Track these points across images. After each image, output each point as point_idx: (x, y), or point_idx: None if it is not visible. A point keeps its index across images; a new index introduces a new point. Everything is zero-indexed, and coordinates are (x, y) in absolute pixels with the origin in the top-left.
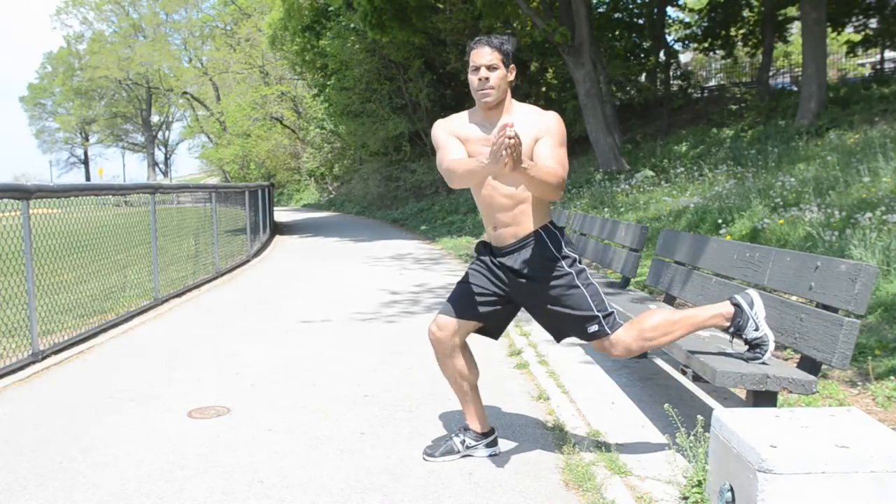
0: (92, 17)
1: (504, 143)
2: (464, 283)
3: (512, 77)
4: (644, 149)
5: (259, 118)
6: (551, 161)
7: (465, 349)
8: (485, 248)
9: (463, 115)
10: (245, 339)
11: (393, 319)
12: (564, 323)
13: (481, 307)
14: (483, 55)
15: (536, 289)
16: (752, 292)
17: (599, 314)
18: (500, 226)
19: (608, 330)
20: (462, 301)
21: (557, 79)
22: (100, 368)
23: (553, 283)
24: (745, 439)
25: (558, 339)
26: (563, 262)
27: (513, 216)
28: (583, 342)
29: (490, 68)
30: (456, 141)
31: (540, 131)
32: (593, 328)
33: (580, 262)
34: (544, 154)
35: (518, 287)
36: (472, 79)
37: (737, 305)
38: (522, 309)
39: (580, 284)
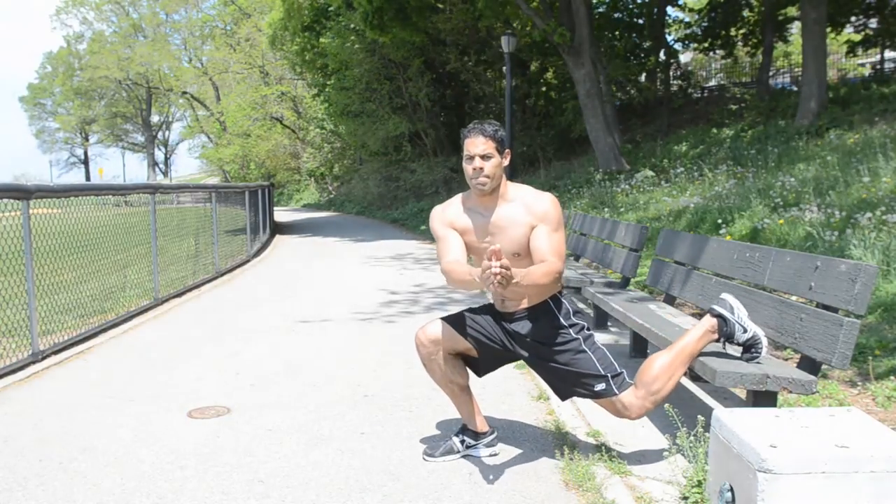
0: (92, 17)
1: (490, 279)
2: (473, 312)
3: (507, 162)
4: (644, 149)
5: (259, 118)
6: (547, 251)
7: (454, 356)
8: (493, 309)
9: (458, 202)
10: (245, 339)
11: (393, 319)
12: (571, 381)
13: (483, 339)
14: (477, 144)
15: (543, 351)
16: (727, 297)
17: (608, 374)
18: (507, 300)
19: (616, 390)
20: (467, 322)
21: (557, 79)
22: (100, 368)
23: (561, 347)
24: (745, 439)
25: (563, 397)
26: (571, 330)
27: (520, 293)
28: None
29: (484, 157)
30: (453, 234)
31: (535, 218)
32: (600, 387)
33: (588, 329)
34: (540, 245)
35: (524, 346)
36: (467, 168)
37: (719, 316)
38: None
39: (587, 349)
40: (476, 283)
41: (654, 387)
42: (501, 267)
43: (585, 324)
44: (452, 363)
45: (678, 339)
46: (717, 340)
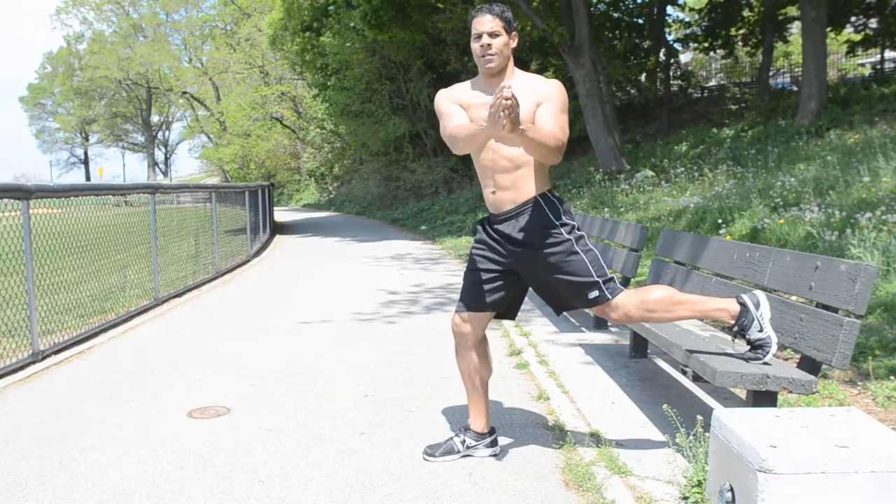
0: (92, 17)
1: (501, 105)
2: (469, 272)
3: (514, 44)
4: (644, 149)
5: (259, 118)
6: (552, 125)
7: (484, 344)
8: (482, 224)
9: (465, 84)
10: (245, 339)
11: (393, 319)
12: (565, 290)
13: (490, 295)
14: (485, 22)
15: (535, 256)
16: (760, 294)
17: (599, 279)
18: (500, 189)
19: (608, 295)
20: (472, 293)
21: (557, 79)
22: (100, 368)
23: (552, 249)
24: (745, 439)
25: (558, 310)
26: (562, 230)
27: (512, 180)
28: (584, 342)
29: (492, 35)
30: (458, 108)
31: (541, 97)
32: (594, 294)
33: (579, 229)
34: (545, 118)
35: (517, 256)
36: (475, 46)
37: (743, 304)
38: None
39: (579, 250)
40: (483, 132)
41: (651, 305)
42: (510, 98)
43: (576, 223)
44: (484, 356)
45: (698, 295)
46: (731, 328)
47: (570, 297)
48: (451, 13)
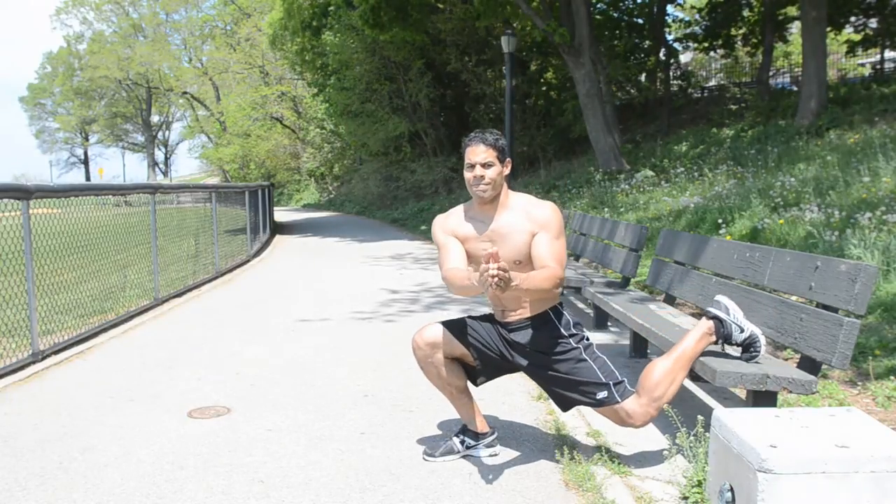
0: (92, 17)
1: (488, 281)
2: (473, 319)
3: (507, 171)
4: (644, 149)
5: (259, 118)
6: (549, 258)
7: (450, 360)
8: (493, 319)
9: (459, 212)
10: (245, 338)
11: (393, 319)
12: (572, 389)
13: (482, 347)
14: (478, 153)
15: (543, 360)
16: (722, 298)
17: (609, 382)
18: (508, 310)
19: (618, 398)
20: (467, 330)
21: (557, 79)
22: (100, 368)
23: (561, 356)
24: (745, 439)
25: (565, 407)
26: (571, 340)
27: (519, 302)
28: None
29: (485, 165)
30: (454, 242)
31: (536, 225)
32: (602, 394)
33: (588, 339)
34: (542, 251)
35: (524, 355)
36: (468, 175)
37: (714, 318)
38: None
39: (588, 358)
40: (475, 287)
41: (657, 393)
42: (499, 269)
43: (585, 334)
44: (450, 366)
45: (677, 344)
46: (716, 343)
47: (577, 395)
48: (451, 13)
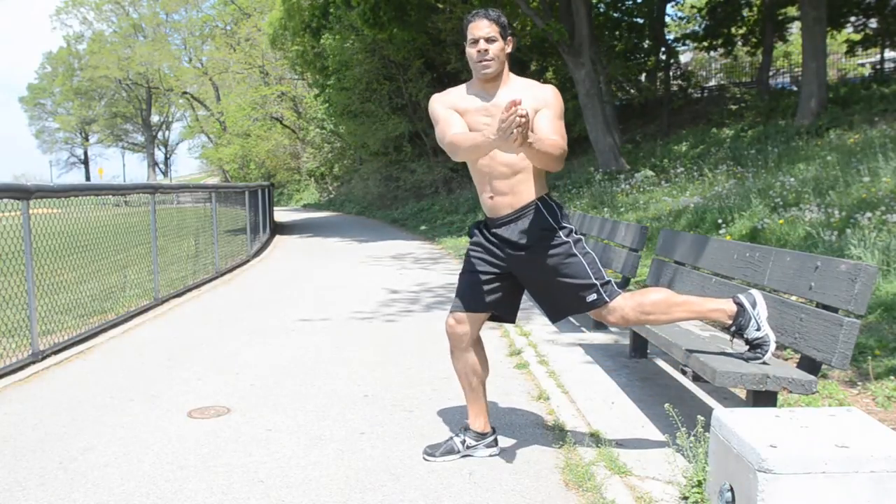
0: (92, 17)
1: (515, 122)
2: (466, 274)
3: (510, 49)
4: (644, 149)
5: (259, 118)
6: (552, 132)
7: (479, 345)
8: (478, 227)
9: (461, 88)
10: (245, 338)
11: (393, 319)
12: (562, 294)
13: (488, 296)
14: (481, 27)
15: (534, 259)
16: (756, 293)
17: (597, 282)
18: (497, 195)
19: (606, 298)
20: (469, 294)
21: (557, 79)
22: (100, 368)
23: (550, 252)
24: (745, 439)
25: (555, 317)
26: (561, 233)
27: (511, 185)
28: (584, 342)
29: (489, 40)
30: (455, 114)
31: (539, 103)
32: (591, 297)
33: (577, 233)
34: (545, 125)
35: (515, 259)
36: (471, 51)
37: (739, 304)
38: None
39: (577, 253)
40: (489, 142)
41: (648, 308)
42: (522, 115)
43: (573, 227)
44: (479, 356)
45: (695, 296)
46: (729, 328)
47: (568, 301)
48: (451, 13)
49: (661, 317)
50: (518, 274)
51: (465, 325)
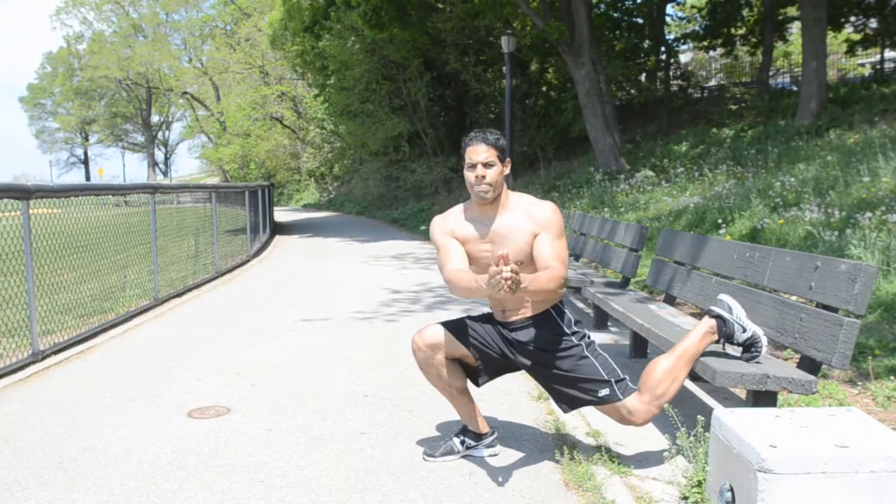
0: (92, 17)
1: (500, 284)
2: (472, 319)
3: (507, 171)
4: (644, 149)
5: (259, 118)
6: (551, 258)
7: (450, 361)
8: (492, 318)
9: (458, 212)
10: (245, 338)
11: (393, 319)
12: (574, 387)
13: (482, 346)
14: (479, 152)
15: (545, 358)
16: (725, 297)
17: (611, 380)
18: (508, 310)
19: (620, 395)
20: (465, 330)
21: (557, 79)
22: (100, 368)
23: (563, 354)
24: (745, 439)
25: (567, 408)
26: (573, 337)
27: (521, 302)
28: None
29: (486, 165)
30: (455, 242)
31: (538, 226)
32: (604, 392)
33: (589, 337)
34: (544, 252)
35: (526, 354)
36: (469, 175)
37: (717, 317)
38: None
39: (590, 356)
40: (482, 290)
41: (659, 391)
42: (512, 271)
43: (587, 332)
44: (450, 367)
45: (679, 343)
46: (717, 341)
47: (579, 393)
48: (451, 13)
49: (674, 385)
50: (525, 366)
51: (435, 347)
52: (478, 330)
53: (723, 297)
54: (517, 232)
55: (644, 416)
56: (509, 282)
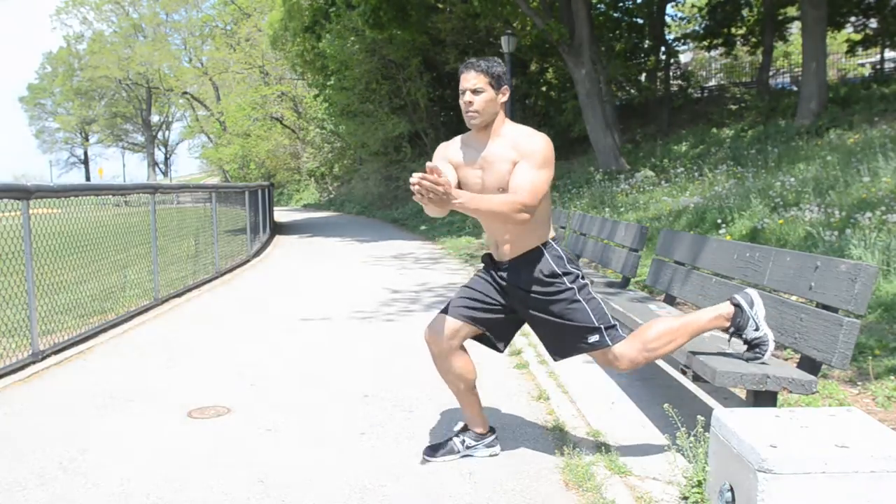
0: (92, 17)
1: (425, 189)
2: (467, 288)
3: (503, 98)
4: (644, 149)
5: (259, 118)
6: (519, 185)
7: (463, 351)
8: (489, 261)
9: (460, 138)
10: (245, 338)
11: (393, 318)
12: (565, 335)
13: (483, 312)
14: (469, 79)
15: (538, 302)
16: (752, 292)
17: (601, 326)
18: (500, 242)
19: (609, 341)
20: (463, 304)
21: (557, 79)
22: (100, 368)
23: (554, 297)
24: (745, 439)
25: (557, 356)
26: (565, 279)
27: (512, 232)
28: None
29: (475, 92)
30: (447, 166)
31: (520, 155)
32: (594, 338)
33: (583, 278)
34: (515, 178)
35: (520, 299)
36: (461, 102)
37: (737, 305)
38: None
39: (581, 299)
40: (424, 205)
41: (651, 345)
42: (420, 178)
43: (579, 272)
44: (462, 360)
45: (690, 314)
46: (727, 330)
47: (570, 342)
48: (451, 13)
49: (668, 347)
50: (521, 312)
51: (447, 333)
52: (475, 296)
53: (750, 291)
54: (501, 160)
55: (628, 364)
56: (417, 187)
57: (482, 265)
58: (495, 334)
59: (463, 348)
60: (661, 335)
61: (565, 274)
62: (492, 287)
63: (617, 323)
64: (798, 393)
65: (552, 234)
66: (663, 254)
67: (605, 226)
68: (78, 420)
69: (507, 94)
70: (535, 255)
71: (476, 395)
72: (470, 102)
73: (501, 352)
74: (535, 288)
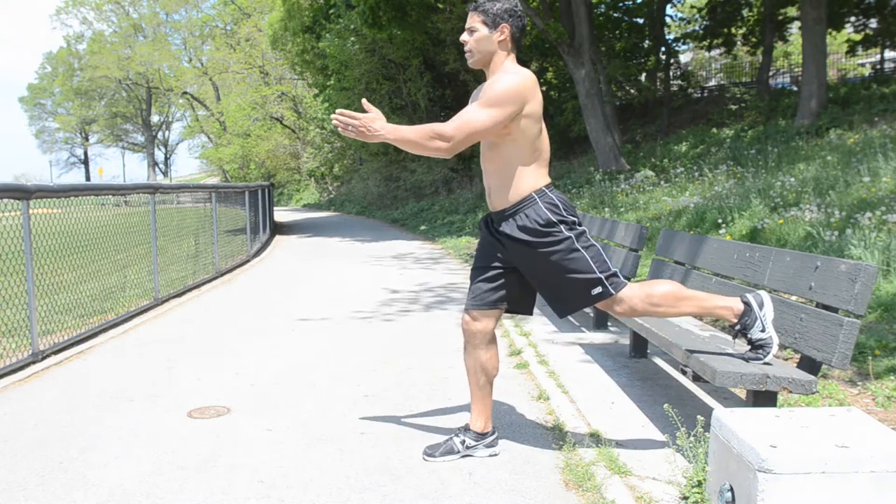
0: (92, 17)
1: (335, 124)
2: (476, 269)
3: (501, 37)
4: (644, 149)
5: (259, 118)
6: (458, 118)
7: (493, 343)
8: (485, 221)
9: None
10: (245, 338)
11: (393, 318)
12: (567, 289)
13: (498, 291)
14: (467, 20)
15: (535, 255)
16: (764, 294)
17: (602, 275)
18: (493, 189)
19: (612, 290)
20: (481, 290)
21: (557, 79)
22: (100, 368)
23: (552, 248)
24: (745, 439)
25: (562, 312)
26: (561, 227)
27: (500, 179)
28: (584, 342)
29: (469, 31)
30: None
31: (482, 94)
32: (597, 290)
33: (580, 225)
34: (461, 112)
35: (518, 255)
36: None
37: (747, 304)
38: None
39: (580, 248)
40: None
41: (657, 300)
42: (347, 116)
43: (576, 219)
44: (490, 353)
45: (704, 293)
46: (733, 327)
47: (574, 296)
48: (451, 13)
49: (669, 309)
50: (521, 269)
51: (480, 321)
52: (484, 263)
53: (762, 293)
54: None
55: (627, 310)
56: (335, 122)
57: (481, 232)
58: (518, 304)
59: (494, 341)
60: (668, 295)
61: (561, 222)
62: (493, 257)
63: (617, 270)
64: (798, 393)
65: (546, 180)
66: (663, 254)
67: (604, 226)
68: (78, 420)
69: (507, 32)
70: (527, 203)
71: (490, 393)
72: (464, 42)
73: (530, 314)
74: (531, 239)
